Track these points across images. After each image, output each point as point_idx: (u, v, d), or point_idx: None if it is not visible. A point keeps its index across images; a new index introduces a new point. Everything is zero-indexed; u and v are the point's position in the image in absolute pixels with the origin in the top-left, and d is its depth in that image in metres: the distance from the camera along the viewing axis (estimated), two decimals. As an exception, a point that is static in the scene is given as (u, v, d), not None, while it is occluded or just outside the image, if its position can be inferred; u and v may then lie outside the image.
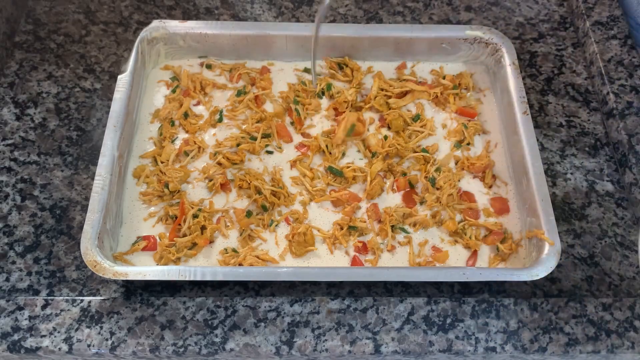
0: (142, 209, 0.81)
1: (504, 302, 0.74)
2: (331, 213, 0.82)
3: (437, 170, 0.84)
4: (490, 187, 0.85)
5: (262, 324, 0.72)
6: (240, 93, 0.91)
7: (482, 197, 0.84)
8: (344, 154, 0.87)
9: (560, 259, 0.76)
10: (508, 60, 0.89)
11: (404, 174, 0.85)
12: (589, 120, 0.91)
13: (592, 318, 0.74)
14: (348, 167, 0.85)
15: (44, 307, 0.72)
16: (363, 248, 0.79)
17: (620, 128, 0.87)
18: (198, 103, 0.91)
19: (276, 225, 0.80)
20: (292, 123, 0.90)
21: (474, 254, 0.79)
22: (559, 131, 0.90)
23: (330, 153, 0.86)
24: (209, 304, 0.73)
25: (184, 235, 0.78)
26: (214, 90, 0.93)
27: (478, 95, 0.94)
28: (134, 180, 0.83)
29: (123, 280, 0.75)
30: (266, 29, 0.92)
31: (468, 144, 0.88)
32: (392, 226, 0.80)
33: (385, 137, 0.88)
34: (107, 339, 0.70)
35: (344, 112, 0.90)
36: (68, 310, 0.72)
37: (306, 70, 0.95)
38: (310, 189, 0.83)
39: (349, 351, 0.71)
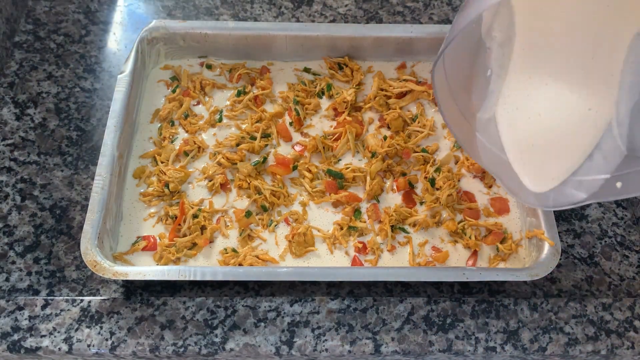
0: (142, 209, 0.81)
1: (503, 302, 0.74)
2: (331, 213, 0.82)
3: (437, 170, 0.84)
4: (490, 187, 0.85)
5: (262, 324, 0.72)
6: (240, 93, 0.91)
7: (482, 197, 0.84)
8: (339, 160, 0.87)
9: (560, 259, 0.76)
10: (508, 60, 0.89)
11: (404, 174, 0.85)
12: (589, 120, 0.91)
13: (592, 318, 0.74)
14: (347, 168, 0.85)
15: (44, 307, 0.72)
16: (363, 248, 0.79)
17: (620, 128, 0.87)
18: (198, 103, 0.91)
19: (276, 226, 0.80)
20: (291, 123, 0.90)
21: (474, 254, 0.79)
22: (559, 131, 0.90)
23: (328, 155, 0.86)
24: (209, 304, 0.73)
25: (184, 235, 0.78)
26: (214, 90, 0.93)
27: (478, 95, 0.94)
28: (134, 180, 0.83)
29: (123, 280, 0.75)
30: (266, 29, 0.92)
31: None
32: (392, 226, 0.80)
33: (385, 138, 0.88)
34: (107, 339, 0.70)
35: (343, 112, 0.90)
36: (68, 310, 0.72)
37: (306, 70, 0.95)
38: (310, 190, 0.83)
39: (349, 351, 0.71)
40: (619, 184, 0.66)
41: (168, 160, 0.84)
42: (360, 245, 0.79)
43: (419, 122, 0.89)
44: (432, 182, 0.83)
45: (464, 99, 0.74)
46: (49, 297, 0.73)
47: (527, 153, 0.73)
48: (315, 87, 0.93)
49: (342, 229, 0.80)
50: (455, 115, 0.73)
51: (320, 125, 0.90)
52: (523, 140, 0.73)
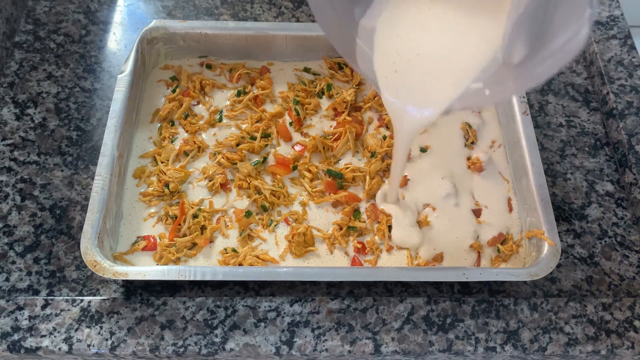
0: (142, 209, 0.81)
1: (503, 302, 0.74)
2: (330, 213, 0.82)
3: (437, 170, 0.84)
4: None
5: (262, 324, 0.72)
6: (240, 93, 0.91)
7: (482, 197, 0.84)
8: (339, 160, 0.87)
9: (560, 259, 0.76)
10: (508, 60, 0.89)
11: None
12: (589, 120, 0.91)
13: (592, 318, 0.74)
14: (347, 168, 0.85)
15: (43, 307, 0.72)
16: (362, 248, 0.79)
17: (620, 128, 0.87)
18: (198, 103, 0.91)
19: (275, 226, 0.80)
20: (291, 123, 0.89)
21: (478, 257, 0.79)
22: (559, 131, 0.90)
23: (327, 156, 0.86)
24: (209, 304, 0.73)
25: (184, 235, 0.78)
26: (214, 90, 0.93)
27: (478, 95, 0.93)
28: (134, 180, 0.83)
29: (123, 280, 0.75)
30: (266, 29, 0.92)
31: (472, 142, 0.88)
32: (389, 226, 0.80)
33: (384, 137, 0.88)
34: (107, 339, 0.70)
35: (343, 112, 0.90)
36: (68, 310, 0.72)
37: (306, 70, 0.95)
38: (310, 190, 0.83)
39: (349, 351, 0.71)
40: (487, 92, 0.62)
41: (168, 160, 0.84)
42: (359, 246, 0.79)
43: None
44: (432, 182, 0.83)
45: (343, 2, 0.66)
46: (49, 297, 0.73)
47: (401, 86, 0.66)
48: (315, 87, 0.93)
49: (341, 229, 0.80)
50: (330, 16, 0.66)
51: (320, 125, 0.90)
52: (396, 70, 0.66)
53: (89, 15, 1.01)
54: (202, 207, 0.81)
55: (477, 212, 0.82)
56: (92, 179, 0.82)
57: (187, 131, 0.88)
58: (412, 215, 0.79)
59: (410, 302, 0.74)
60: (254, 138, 0.87)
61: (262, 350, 0.70)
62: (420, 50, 0.65)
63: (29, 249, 0.77)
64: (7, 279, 0.75)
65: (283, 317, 0.72)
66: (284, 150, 0.87)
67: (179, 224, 0.79)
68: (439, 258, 0.78)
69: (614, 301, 0.75)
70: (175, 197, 0.82)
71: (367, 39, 0.66)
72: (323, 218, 0.82)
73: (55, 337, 0.70)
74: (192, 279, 0.70)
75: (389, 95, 0.66)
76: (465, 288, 0.76)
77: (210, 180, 0.83)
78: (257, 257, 0.77)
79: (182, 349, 0.70)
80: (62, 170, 0.84)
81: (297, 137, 0.89)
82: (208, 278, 0.70)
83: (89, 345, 0.70)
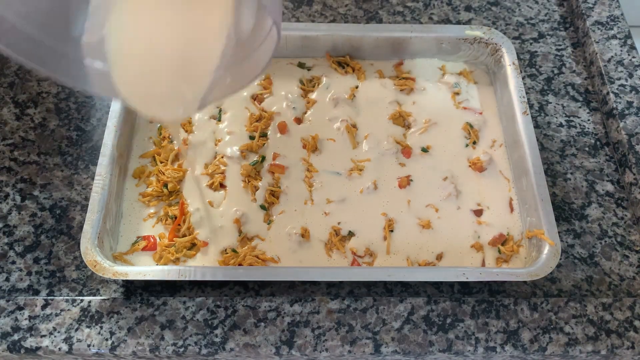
0: (142, 209, 0.81)
1: (503, 302, 0.74)
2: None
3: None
4: (490, 187, 0.85)
5: (262, 324, 0.72)
6: (240, 93, 0.91)
7: (482, 197, 0.84)
8: None
9: (560, 259, 0.76)
10: (508, 60, 0.89)
11: (404, 174, 0.85)
12: (589, 120, 0.91)
13: (592, 318, 0.73)
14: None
15: (44, 307, 0.72)
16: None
17: (620, 128, 0.87)
18: (198, 103, 0.91)
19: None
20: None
21: (483, 258, 0.79)
22: (559, 131, 0.90)
23: None
24: (209, 304, 0.73)
25: (184, 235, 0.78)
26: (213, 90, 0.93)
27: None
28: (134, 180, 0.83)
29: (123, 280, 0.75)
30: (266, 29, 0.92)
31: (474, 142, 0.88)
32: (391, 230, 0.80)
33: (385, 137, 0.88)
34: (107, 339, 0.70)
35: (343, 112, 0.90)
36: (68, 310, 0.72)
37: (302, 66, 0.94)
38: (308, 189, 0.83)
39: (349, 351, 0.71)
40: (228, 79, 0.58)
41: (167, 160, 0.84)
42: (356, 251, 0.78)
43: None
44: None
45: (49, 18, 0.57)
46: (49, 297, 0.73)
47: (148, 95, 0.61)
48: (314, 86, 0.93)
49: (337, 234, 0.79)
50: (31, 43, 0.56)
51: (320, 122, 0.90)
52: (136, 78, 0.60)
53: (89, 15, 1.01)
54: (202, 207, 0.81)
55: (478, 213, 0.82)
56: (92, 179, 0.82)
57: (186, 131, 0.88)
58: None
59: (410, 302, 0.74)
60: (253, 137, 0.87)
61: (262, 350, 0.70)
62: (155, 51, 0.59)
63: (29, 249, 0.77)
64: (7, 279, 0.75)
65: (283, 317, 0.72)
66: (284, 150, 0.87)
67: (179, 224, 0.79)
68: (439, 259, 0.78)
69: (614, 301, 0.75)
70: (174, 197, 0.82)
71: (99, 55, 0.58)
72: (321, 219, 0.81)
73: (55, 337, 0.70)
74: (192, 279, 0.70)
75: (139, 109, 0.62)
76: (465, 288, 0.76)
77: (210, 180, 0.83)
78: (257, 257, 0.77)
79: (182, 349, 0.70)
80: (62, 170, 0.84)
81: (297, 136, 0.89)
82: (208, 278, 0.70)
83: (89, 345, 0.70)
